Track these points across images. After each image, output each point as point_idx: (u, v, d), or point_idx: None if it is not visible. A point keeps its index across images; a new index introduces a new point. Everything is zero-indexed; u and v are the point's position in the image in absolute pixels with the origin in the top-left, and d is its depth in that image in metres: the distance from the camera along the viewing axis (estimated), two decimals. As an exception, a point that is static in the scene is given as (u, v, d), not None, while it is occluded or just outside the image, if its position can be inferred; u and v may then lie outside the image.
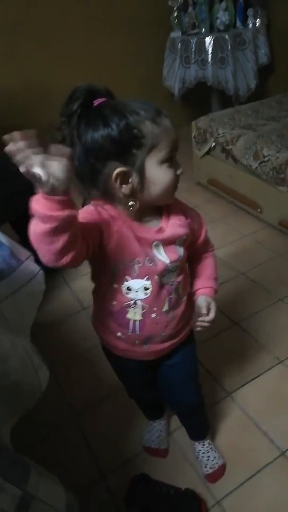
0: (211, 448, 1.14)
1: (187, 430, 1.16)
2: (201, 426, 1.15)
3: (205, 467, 1.12)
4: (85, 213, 0.72)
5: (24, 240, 0.72)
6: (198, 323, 0.89)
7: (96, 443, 1.23)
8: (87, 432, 1.26)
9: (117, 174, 0.68)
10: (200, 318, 0.89)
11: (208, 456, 1.13)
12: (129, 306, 0.80)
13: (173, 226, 0.79)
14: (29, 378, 0.63)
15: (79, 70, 2.69)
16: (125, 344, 0.87)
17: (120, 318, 0.82)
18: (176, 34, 2.74)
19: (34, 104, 2.61)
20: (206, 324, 0.89)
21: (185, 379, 1.00)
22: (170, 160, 0.71)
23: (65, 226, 0.58)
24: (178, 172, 0.73)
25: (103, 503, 1.09)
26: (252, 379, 1.35)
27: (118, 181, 0.68)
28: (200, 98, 2.91)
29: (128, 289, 0.78)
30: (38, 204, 0.57)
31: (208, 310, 0.88)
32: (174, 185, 0.74)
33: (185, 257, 0.83)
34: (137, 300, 0.79)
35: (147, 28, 2.86)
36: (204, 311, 0.88)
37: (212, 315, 0.89)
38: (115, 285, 0.78)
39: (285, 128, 2.07)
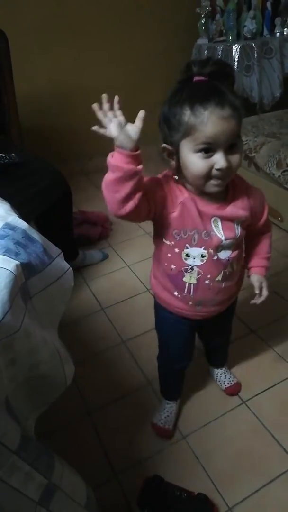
0: (227, 371, 1.35)
1: (210, 358, 1.34)
2: (224, 357, 1.34)
3: (224, 383, 1.32)
4: (153, 179, 0.83)
5: (47, 237, 0.74)
6: (252, 301, 1.00)
7: (110, 442, 1.24)
8: (101, 431, 1.27)
9: (162, 148, 0.80)
10: (254, 299, 1.00)
11: (225, 376, 1.34)
12: (186, 270, 0.89)
13: (235, 206, 0.85)
14: (56, 371, 0.64)
15: (104, 74, 2.73)
16: (180, 303, 0.96)
17: (177, 280, 0.92)
18: (202, 41, 2.76)
19: (61, 105, 2.66)
20: (259, 302, 1.00)
21: (223, 333, 1.21)
22: (206, 151, 0.74)
23: (129, 177, 0.71)
24: (217, 166, 0.75)
25: (115, 502, 1.10)
26: (268, 388, 1.35)
27: (165, 154, 0.80)
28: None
29: (187, 255, 0.87)
30: (112, 156, 0.72)
31: (261, 289, 0.99)
32: (205, 176, 0.77)
33: (242, 236, 0.89)
34: (194, 266, 0.88)
35: (175, 34, 2.88)
36: (257, 290, 0.99)
37: (265, 293, 1.00)
38: (176, 250, 0.87)
39: (309, 138, 2.06)
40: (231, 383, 1.32)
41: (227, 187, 0.85)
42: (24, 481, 0.53)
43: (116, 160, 0.71)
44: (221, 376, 1.34)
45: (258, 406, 1.30)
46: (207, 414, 1.28)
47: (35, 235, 0.71)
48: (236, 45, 2.57)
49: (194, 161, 0.76)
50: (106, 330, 1.65)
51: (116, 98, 0.72)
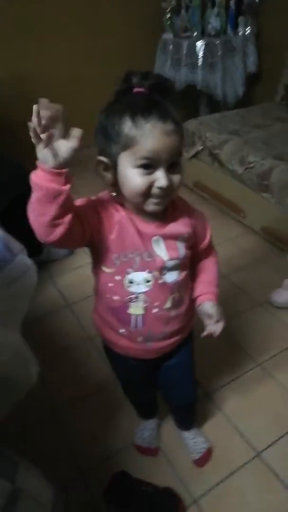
0: (197, 434, 1.20)
1: (176, 421, 1.21)
2: (191, 419, 1.20)
3: (192, 452, 1.17)
4: (86, 201, 0.75)
5: (9, 233, 0.71)
6: (209, 329, 0.90)
7: (77, 439, 1.23)
8: (68, 428, 1.26)
9: (98, 161, 0.73)
10: (213, 327, 0.90)
11: (195, 442, 1.18)
12: (131, 300, 0.81)
13: (176, 223, 0.80)
14: (20, 371, 0.62)
15: (67, 65, 2.66)
16: (128, 342, 0.87)
17: (122, 313, 0.83)
18: (168, 35, 2.75)
19: (22, 97, 2.57)
20: (219, 331, 0.90)
21: (184, 379, 1.03)
22: (146, 168, 0.69)
23: (53, 197, 0.63)
24: (158, 184, 0.70)
25: (82, 499, 1.09)
26: (231, 381, 1.38)
27: (100, 168, 0.73)
28: (188, 101, 2.94)
29: (130, 282, 0.79)
30: (35, 175, 0.63)
31: (217, 317, 0.89)
32: (144, 193, 0.71)
33: (187, 257, 0.83)
34: (139, 293, 0.80)
35: (140, 28, 2.86)
36: (214, 318, 0.89)
37: (222, 324, 0.90)
38: (118, 277, 0.79)
39: (270, 137, 2.12)
40: (201, 452, 1.16)
41: (166, 205, 0.78)
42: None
43: (38, 177, 0.63)
44: (189, 443, 1.18)
45: (222, 399, 1.33)
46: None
47: (-5, 231, 0.69)
48: (200, 41, 2.58)
49: (133, 177, 0.70)
50: (72, 326, 1.63)
51: (53, 107, 0.59)
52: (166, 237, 0.79)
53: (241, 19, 2.69)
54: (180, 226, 0.80)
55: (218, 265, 0.95)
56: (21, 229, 1.07)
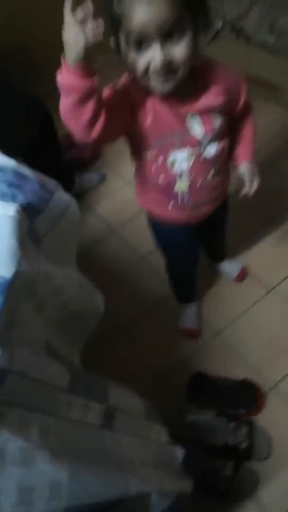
0: (230, 261, 1.37)
1: (212, 255, 1.35)
2: (224, 249, 1.34)
3: (231, 274, 1.35)
4: (113, 91, 0.74)
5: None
6: (244, 190, 0.95)
7: (148, 351, 1.29)
8: (138, 342, 1.32)
9: (113, 44, 0.69)
10: (247, 188, 0.94)
11: (230, 265, 1.36)
12: (176, 179, 0.85)
13: (208, 95, 0.77)
14: (86, 304, 0.64)
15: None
16: (178, 213, 0.94)
17: (169, 190, 0.88)
18: None
19: (23, 18, 2.33)
20: (252, 192, 0.95)
21: (221, 229, 1.20)
22: (138, 45, 0.64)
23: (88, 95, 0.63)
24: (153, 62, 0.65)
25: (164, 403, 1.18)
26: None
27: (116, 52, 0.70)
28: None
29: (173, 162, 0.82)
30: (62, 76, 0.63)
31: (252, 178, 0.94)
32: (145, 73, 0.67)
33: (224, 125, 0.82)
34: (183, 171, 0.83)
35: None
36: (250, 177, 0.93)
37: (256, 182, 0.94)
38: (161, 158, 0.81)
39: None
40: (238, 270, 1.35)
41: (194, 77, 0.75)
42: (83, 412, 0.55)
43: (67, 78, 0.62)
44: (226, 267, 1.36)
45: (285, 293, 1.32)
46: (236, 307, 1.31)
47: (27, 171, 0.65)
48: None
49: (131, 58, 0.67)
50: (122, 250, 1.64)
51: None
52: (200, 112, 0.78)
53: None
54: (212, 98, 0.77)
55: (254, 125, 0.95)
56: (47, 167, 1.03)
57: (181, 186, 0.86)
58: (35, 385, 0.48)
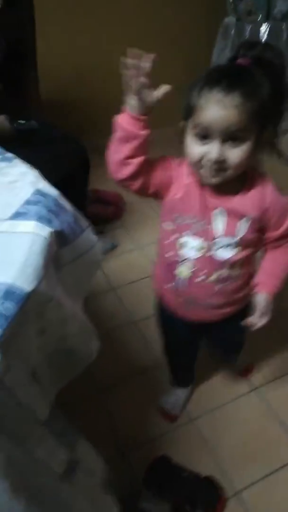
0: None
1: (223, 357, 1.29)
2: (237, 357, 1.25)
3: (236, 366, 1.28)
4: (165, 157, 0.81)
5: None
6: (250, 320, 0.88)
7: (119, 420, 1.23)
8: (110, 409, 1.26)
9: (181, 125, 0.76)
10: (255, 318, 0.88)
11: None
12: (180, 262, 0.85)
13: (244, 200, 0.78)
14: (83, 345, 0.63)
15: (122, 50, 2.63)
16: (172, 297, 0.92)
17: (171, 270, 0.87)
18: (230, 19, 2.65)
19: (79, 80, 2.58)
20: (257, 325, 0.88)
21: (232, 346, 1.13)
22: (202, 138, 0.71)
23: (130, 138, 0.71)
24: (207, 155, 0.71)
25: (122, 481, 1.09)
26: (283, 375, 1.33)
27: (180, 135, 0.76)
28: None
29: (183, 244, 0.83)
30: (120, 117, 0.71)
31: (264, 313, 0.87)
32: (197, 163, 0.73)
33: (250, 239, 0.81)
34: (189, 257, 0.83)
35: (199, 10, 2.78)
36: (259, 313, 0.87)
37: (263, 321, 0.88)
38: (175, 236, 0.83)
39: None
40: (245, 364, 1.30)
41: (243, 182, 0.78)
42: (49, 454, 0.52)
43: (121, 119, 0.71)
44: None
45: (271, 392, 1.29)
46: (217, 398, 1.27)
47: (66, 204, 0.69)
48: (265, 24, 2.47)
49: (189, 145, 0.73)
50: (116, 309, 1.63)
51: (149, 56, 0.66)
52: (229, 212, 0.78)
53: (310, 2, 2.54)
54: (247, 205, 0.78)
55: None
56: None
57: (183, 272, 0.85)
58: (19, 408, 0.45)
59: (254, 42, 0.76)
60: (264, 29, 2.48)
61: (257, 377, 1.33)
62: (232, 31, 2.60)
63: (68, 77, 2.58)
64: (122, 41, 2.70)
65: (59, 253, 0.61)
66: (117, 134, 0.72)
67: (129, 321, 1.56)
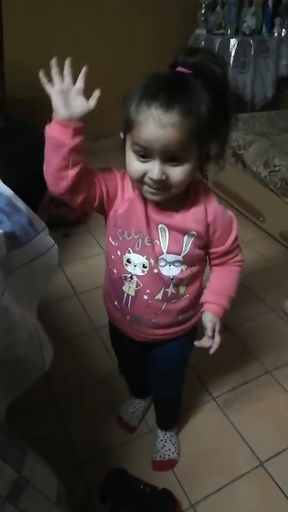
0: (170, 441, 1.14)
1: (156, 415, 1.17)
2: (170, 419, 1.16)
3: (156, 453, 1.12)
4: (109, 169, 0.76)
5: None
6: (198, 344, 0.82)
7: (74, 431, 1.19)
8: (66, 419, 1.22)
9: (121, 138, 0.71)
10: (205, 342, 0.81)
11: (164, 445, 1.13)
12: (126, 278, 0.80)
13: (186, 217, 0.75)
14: (34, 355, 0.59)
15: (97, 53, 2.62)
16: (118, 314, 0.88)
17: (117, 288, 0.83)
18: (201, 31, 2.71)
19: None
20: (212, 351, 0.82)
21: (168, 370, 0.98)
22: (142, 155, 0.66)
23: (58, 148, 0.65)
24: (149, 174, 0.66)
25: (76, 493, 1.05)
26: (238, 386, 1.34)
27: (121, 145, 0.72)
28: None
29: (128, 261, 0.78)
30: (48, 125, 0.67)
31: (213, 333, 0.81)
32: (139, 180, 0.68)
33: (194, 256, 0.78)
34: (134, 275, 0.79)
35: (173, 21, 2.81)
36: (209, 332, 0.81)
37: (217, 340, 0.81)
38: (119, 252, 0.79)
39: (298, 142, 2.07)
40: (163, 457, 1.11)
41: (186, 197, 0.75)
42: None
43: (49, 127, 0.66)
44: (158, 444, 1.13)
45: (227, 404, 1.29)
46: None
47: (21, 204, 0.65)
48: (234, 39, 2.53)
49: (130, 161, 0.68)
50: (79, 315, 1.59)
51: (84, 69, 0.66)
52: (172, 228, 0.75)
53: (277, 20, 2.64)
54: (189, 221, 0.74)
55: (240, 276, 0.87)
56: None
57: (128, 289, 0.81)
58: None
59: (195, 48, 0.68)
60: (233, 43, 2.54)
61: (214, 389, 1.33)
62: (202, 43, 2.65)
63: (36, 74, 2.51)
64: (96, 44, 2.70)
65: (10, 255, 0.57)
66: (46, 143, 0.67)
67: (92, 328, 1.52)
